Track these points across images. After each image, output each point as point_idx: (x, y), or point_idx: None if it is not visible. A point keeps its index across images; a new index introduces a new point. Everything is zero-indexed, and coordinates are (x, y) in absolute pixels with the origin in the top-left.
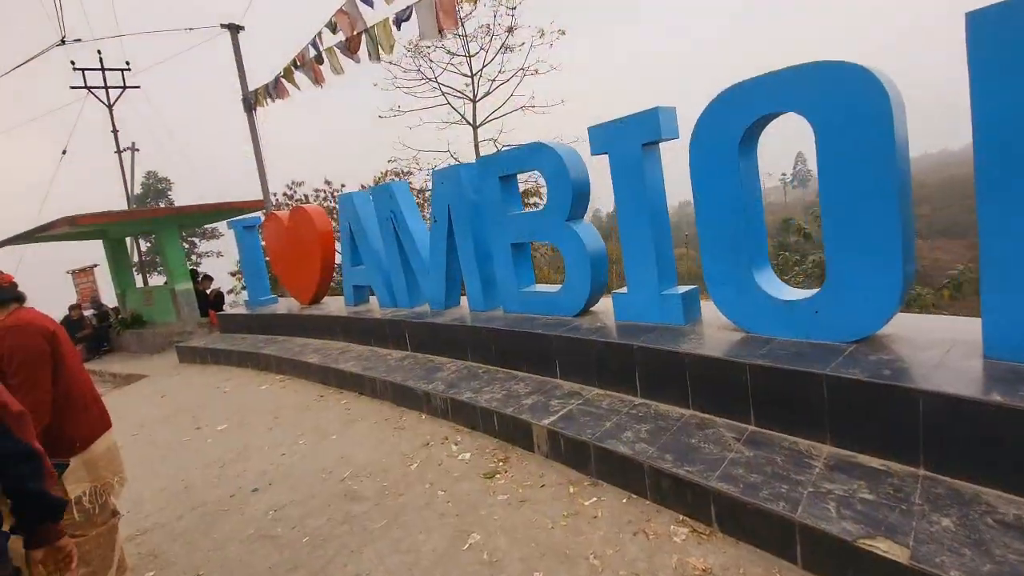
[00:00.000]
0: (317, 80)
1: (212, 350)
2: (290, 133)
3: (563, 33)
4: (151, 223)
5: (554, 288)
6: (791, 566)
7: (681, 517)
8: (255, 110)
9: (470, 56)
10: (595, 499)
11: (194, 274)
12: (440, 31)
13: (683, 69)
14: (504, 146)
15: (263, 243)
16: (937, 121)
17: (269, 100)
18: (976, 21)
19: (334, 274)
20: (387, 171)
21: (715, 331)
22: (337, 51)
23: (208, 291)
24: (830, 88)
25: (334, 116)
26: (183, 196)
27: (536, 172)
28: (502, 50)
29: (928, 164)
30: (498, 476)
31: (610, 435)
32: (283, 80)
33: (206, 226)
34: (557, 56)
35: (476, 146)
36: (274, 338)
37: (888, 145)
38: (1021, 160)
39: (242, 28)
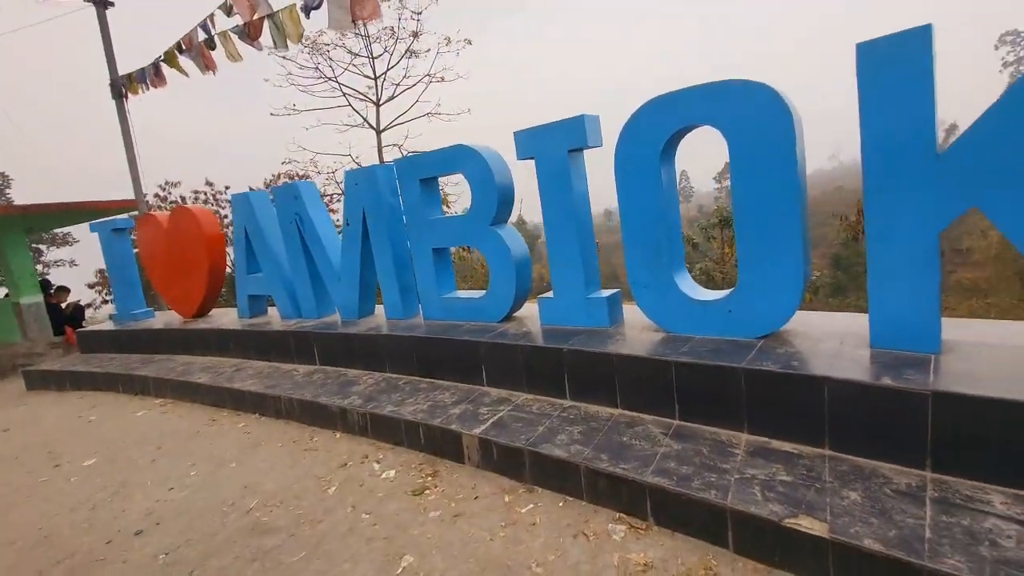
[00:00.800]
0: (208, 67)
1: (71, 373)
2: (168, 129)
3: (469, 43)
4: None
5: (478, 294)
6: (724, 551)
7: (618, 515)
8: (126, 97)
9: (373, 58)
10: (532, 506)
11: (45, 285)
12: (354, 20)
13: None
14: (409, 152)
15: (136, 249)
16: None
17: (145, 87)
18: (864, 51)
19: (223, 283)
20: (280, 174)
21: (638, 332)
22: (233, 36)
23: (64, 305)
24: (741, 104)
25: (221, 112)
26: (27, 195)
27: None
28: (407, 55)
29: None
30: (428, 492)
31: (544, 439)
32: (163, 65)
33: (58, 230)
34: (463, 64)
35: (380, 151)
36: (151, 357)
37: (791, 159)
38: (901, 176)
39: (111, 4)
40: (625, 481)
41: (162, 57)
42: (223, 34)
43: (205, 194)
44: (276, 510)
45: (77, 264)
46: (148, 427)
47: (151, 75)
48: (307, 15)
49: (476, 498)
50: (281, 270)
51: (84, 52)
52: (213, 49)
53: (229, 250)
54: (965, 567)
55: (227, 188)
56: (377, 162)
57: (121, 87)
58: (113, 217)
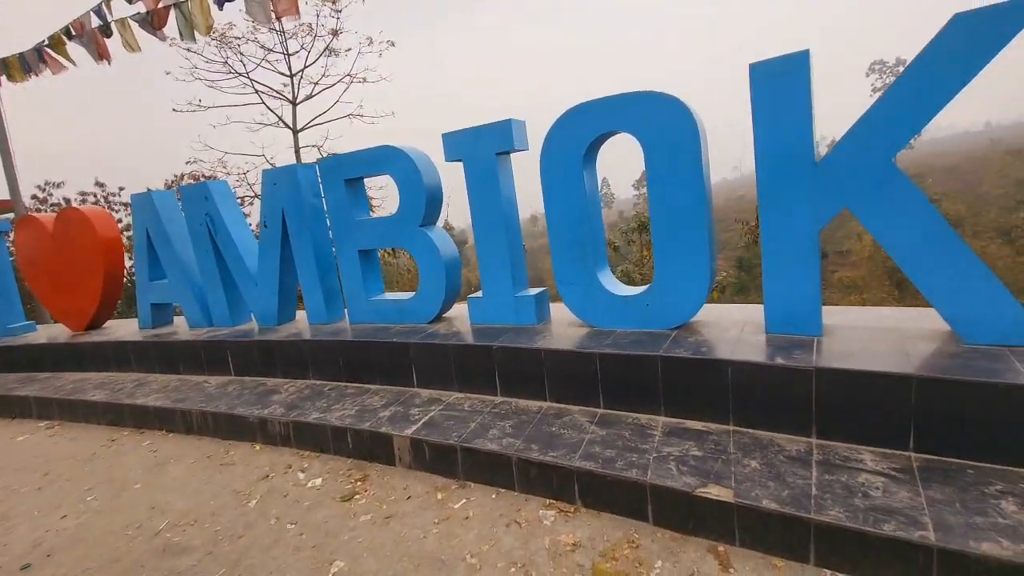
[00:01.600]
0: (101, 56)
1: None
2: (48, 123)
3: (392, 44)
4: None
5: (406, 295)
6: (644, 524)
7: (548, 501)
8: None
9: (289, 54)
10: (464, 500)
11: None
12: (275, 16)
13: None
14: (328, 153)
15: (12, 255)
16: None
17: (26, 75)
18: (756, 72)
19: (121, 292)
20: (182, 174)
21: (564, 328)
22: (133, 24)
23: None
24: (654, 114)
25: (113, 107)
26: None
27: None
28: (326, 53)
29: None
30: (357, 497)
31: (476, 435)
32: (48, 51)
33: None
34: (387, 66)
35: (297, 151)
36: (33, 375)
37: (698, 165)
38: (787, 182)
39: None
40: (554, 468)
41: (46, 42)
42: (121, 21)
43: (95, 195)
44: (190, 529)
45: None
46: (31, 453)
47: (35, 60)
48: (220, 7)
49: (408, 498)
50: (189, 276)
51: None
52: (108, 37)
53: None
54: (844, 516)
55: (121, 190)
56: (295, 162)
57: None
58: None
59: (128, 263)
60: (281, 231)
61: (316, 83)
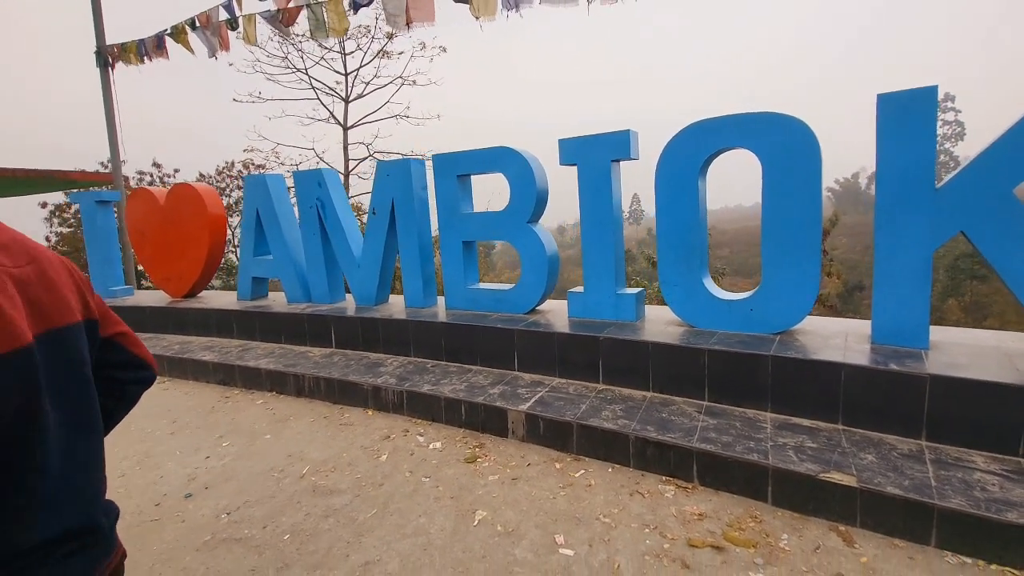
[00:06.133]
0: (222, 47)
1: None
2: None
3: (444, 50)
4: None
5: (506, 286)
6: (763, 503)
7: (664, 478)
8: (113, 67)
9: (345, 54)
10: (583, 471)
11: None
12: (408, 23)
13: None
14: (377, 152)
15: (125, 224)
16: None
17: (141, 59)
18: (884, 101)
19: (219, 265)
20: (232, 161)
21: (664, 326)
22: (260, 20)
23: None
24: (777, 133)
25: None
26: None
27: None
28: (380, 55)
29: (727, 215)
30: (480, 460)
31: (589, 414)
32: (169, 39)
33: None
34: (437, 71)
35: (345, 147)
36: (137, 335)
37: (816, 182)
38: (908, 205)
39: None
40: (673, 447)
41: (168, 31)
42: (248, 17)
43: (151, 176)
44: (332, 475)
45: None
46: (152, 402)
47: (152, 47)
48: (355, 11)
49: (528, 465)
50: (293, 254)
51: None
52: (234, 30)
53: None
54: (967, 506)
55: (176, 171)
56: (342, 159)
57: (108, 56)
58: (93, 190)
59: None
60: (388, 219)
61: (368, 83)
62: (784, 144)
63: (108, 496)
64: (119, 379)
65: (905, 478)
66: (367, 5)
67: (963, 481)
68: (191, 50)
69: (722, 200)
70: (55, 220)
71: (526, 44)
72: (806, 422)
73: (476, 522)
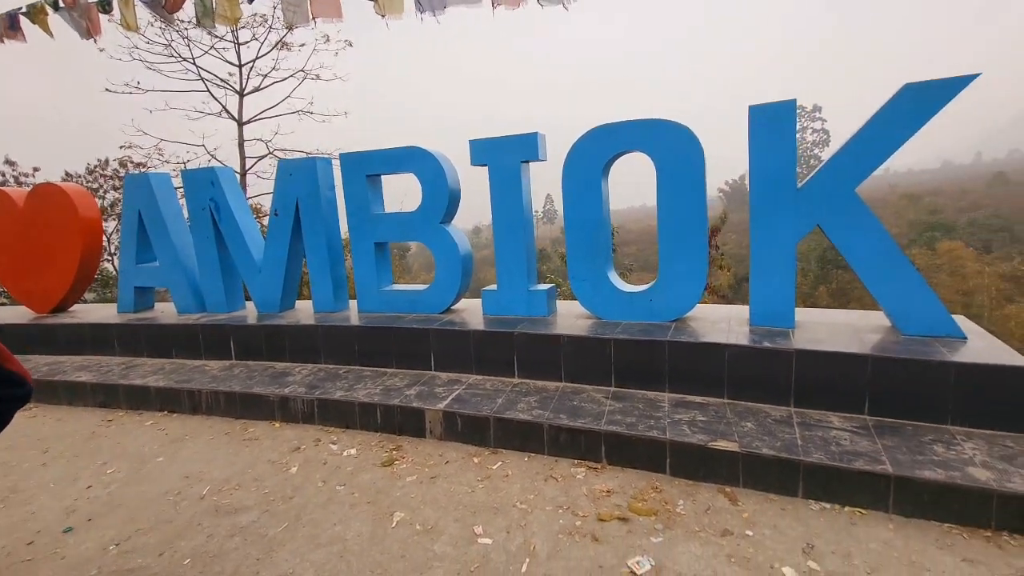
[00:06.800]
0: (91, 33)
1: None
2: None
3: (350, 44)
4: None
5: (420, 287)
6: (662, 475)
7: (576, 461)
8: None
9: (239, 44)
10: (501, 463)
11: None
12: (314, 17)
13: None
14: (277, 149)
15: None
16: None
17: None
18: (755, 112)
19: (95, 274)
20: (107, 159)
21: (574, 319)
22: (138, 2)
23: None
24: (667, 138)
25: (30, 79)
26: None
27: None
28: (279, 46)
29: (633, 215)
30: (397, 462)
31: (505, 408)
32: (23, 18)
33: None
34: (343, 65)
35: (241, 144)
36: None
37: (701, 183)
38: (772, 204)
39: None
40: (583, 432)
41: (23, 9)
42: (126, 0)
43: (3, 175)
44: (236, 493)
45: None
46: (16, 433)
47: (3, 27)
48: (250, 1)
49: (447, 463)
50: (183, 260)
51: None
52: (107, 13)
53: None
54: (825, 459)
55: (36, 171)
56: (237, 156)
57: None
58: None
59: None
60: (293, 221)
61: (266, 75)
62: (673, 148)
63: None
64: None
65: (777, 440)
66: None
67: (823, 439)
68: (50, 33)
69: (628, 200)
70: None
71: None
72: (698, 399)
73: (394, 524)
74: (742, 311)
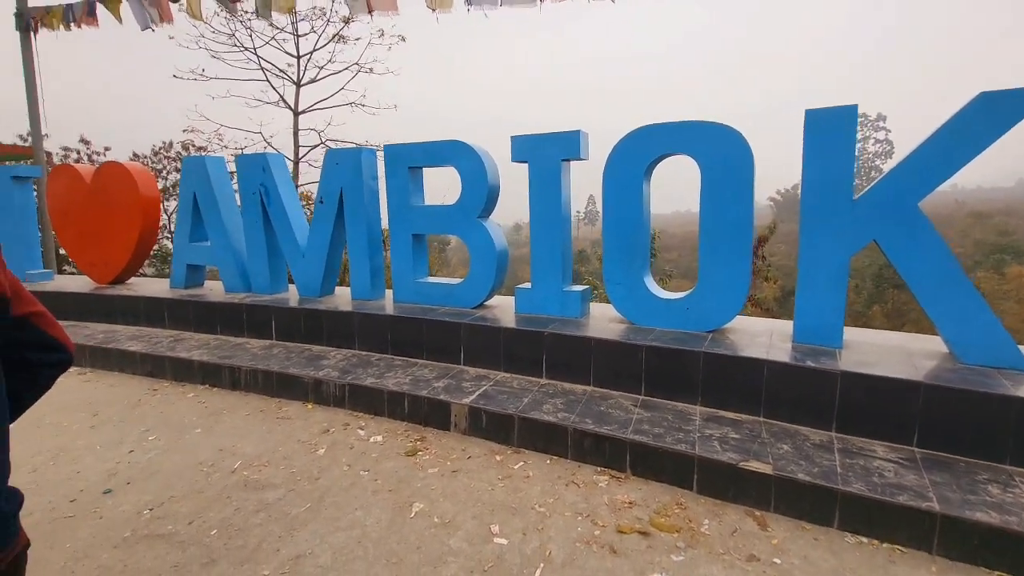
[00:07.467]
0: (162, 18)
1: None
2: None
3: (403, 39)
4: None
5: (454, 280)
6: (688, 492)
7: (600, 469)
8: (36, 32)
9: (298, 36)
10: (522, 463)
11: None
12: (370, 10)
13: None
14: (329, 140)
15: (46, 202)
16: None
17: (67, 25)
18: (811, 117)
19: (151, 250)
20: (171, 141)
21: (606, 323)
22: None
23: None
24: (714, 141)
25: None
26: None
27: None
28: (335, 39)
29: (677, 220)
30: (421, 453)
31: (531, 408)
32: (101, 5)
33: None
34: (395, 60)
35: (296, 133)
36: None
37: (748, 189)
38: (824, 214)
39: None
40: (608, 439)
41: None
42: None
43: (78, 152)
44: (265, 469)
45: None
46: (70, 395)
47: (82, 13)
48: None
49: (469, 458)
50: (232, 241)
51: None
52: (175, 1)
53: None
54: (865, 490)
55: (107, 150)
56: (291, 144)
57: (29, 19)
58: (12, 164)
59: None
60: (336, 209)
61: (322, 67)
62: (720, 152)
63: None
64: (31, 361)
65: (815, 466)
66: None
67: (864, 468)
68: (119, 19)
69: (672, 205)
70: None
71: (501, 43)
72: (732, 415)
73: (413, 514)
74: (786, 326)
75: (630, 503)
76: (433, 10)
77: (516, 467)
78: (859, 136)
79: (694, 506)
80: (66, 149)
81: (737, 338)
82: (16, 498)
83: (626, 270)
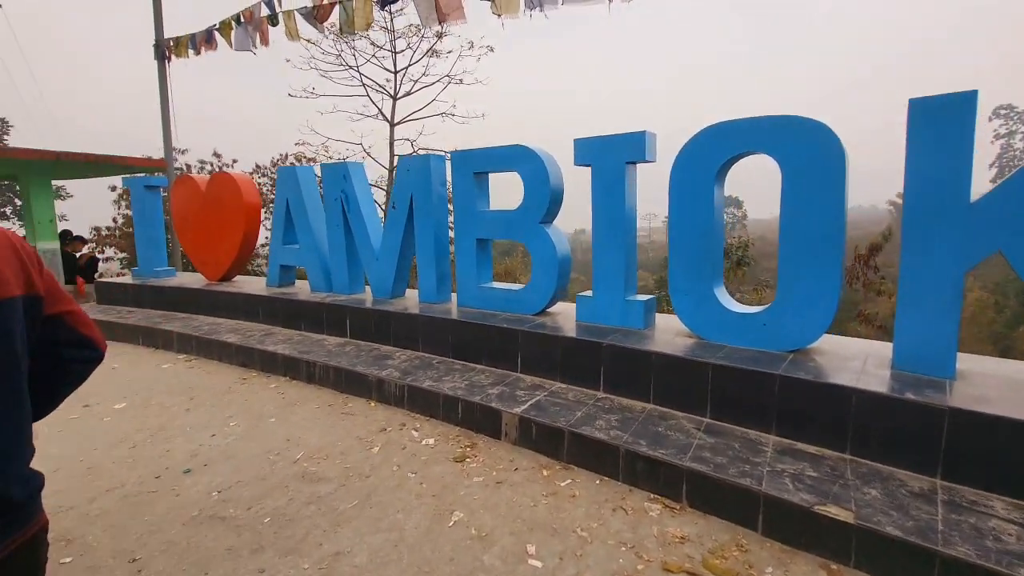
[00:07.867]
0: (262, 42)
1: None
2: (179, 96)
3: (491, 50)
4: (15, 165)
5: (516, 286)
6: (751, 532)
7: (652, 496)
8: (170, 60)
9: (396, 52)
10: (569, 481)
11: (64, 235)
12: (441, 20)
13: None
14: (420, 148)
15: (170, 208)
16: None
17: (191, 52)
18: (916, 107)
19: (253, 251)
20: (286, 154)
21: (672, 336)
22: (298, 16)
23: (79, 255)
24: (797, 138)
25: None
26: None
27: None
28: (429, 53)
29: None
30: (468, 460)
31: (583, 423)
32: (217, 33)
33: (56, 183)
34: (483, 70)
35: (391, 143)
36: (172, 314)
37: (840, 192)
38: (933, 220)
39: None
40: (663, 464)
41: (217, 26)
42: (288, 13)
43: (211, 165)
44: (323, 462)
45: (67, 219)
46: (176, 379)
47: (201, 40)
48: (382, 7)
49: (516, 470)
50: (318, 244)
51: (128, 16)
52: (274, 26)
53: None
54: (973, 553)
55: (234, 162)
56: (387, 154)
57: (165, 49)
58: (144, 175)
59: None
60: (407, 213)
61: (416, 81)
62: (805, 150)
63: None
64: (63, 356)
65: (909, 518)
66: (393, 2)
67: (975, 528)
68: (230, 44)
69: (771, 209)
70: (122, 202)
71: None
72: (811, 448)
73: (452, 523)
74: (885, 349)
75: (682, 538)
76: (499, 15)
77: (563, 484)
78: (1004, 130)
79: (757, 550)
80: (202, 162)
81: (824, 360)
82: (34, 482)
83: (694, 279)
